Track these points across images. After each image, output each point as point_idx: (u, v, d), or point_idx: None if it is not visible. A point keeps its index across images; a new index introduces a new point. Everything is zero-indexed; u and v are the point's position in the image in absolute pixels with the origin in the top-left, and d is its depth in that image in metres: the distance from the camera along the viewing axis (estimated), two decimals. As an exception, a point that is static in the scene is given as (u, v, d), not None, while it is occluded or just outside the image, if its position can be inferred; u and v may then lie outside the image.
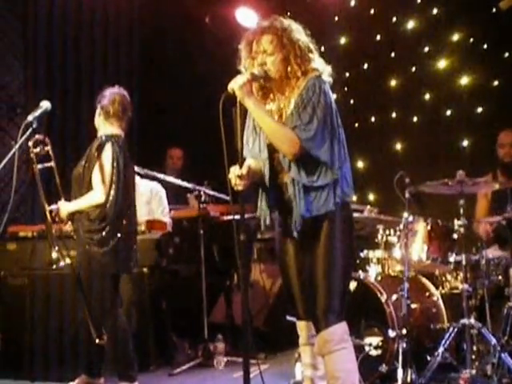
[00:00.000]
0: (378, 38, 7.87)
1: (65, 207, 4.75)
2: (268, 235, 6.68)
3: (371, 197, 7.55)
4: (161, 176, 6.35)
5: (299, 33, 3.47)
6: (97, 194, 4.67)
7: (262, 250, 6.81)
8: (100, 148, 4.72)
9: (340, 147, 3.43)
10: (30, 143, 4.57)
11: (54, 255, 4.53)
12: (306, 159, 3.33)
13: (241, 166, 3.28)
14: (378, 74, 7.75)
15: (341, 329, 3.40)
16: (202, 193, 6.26)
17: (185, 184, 6.38)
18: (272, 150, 3.49)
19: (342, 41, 8.10)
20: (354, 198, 4.54)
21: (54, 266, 4.52)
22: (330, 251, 3.36)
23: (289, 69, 3.41)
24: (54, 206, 4.75)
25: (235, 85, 3.25)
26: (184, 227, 6.39)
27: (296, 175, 3.37)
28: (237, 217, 3.29)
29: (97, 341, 4.63)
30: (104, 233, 4.65)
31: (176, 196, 7.10)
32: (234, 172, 3.28)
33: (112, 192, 4.68)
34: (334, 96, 3.51)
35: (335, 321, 3.38)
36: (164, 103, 7.91)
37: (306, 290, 3.47)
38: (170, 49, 7.90)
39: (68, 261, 4.54)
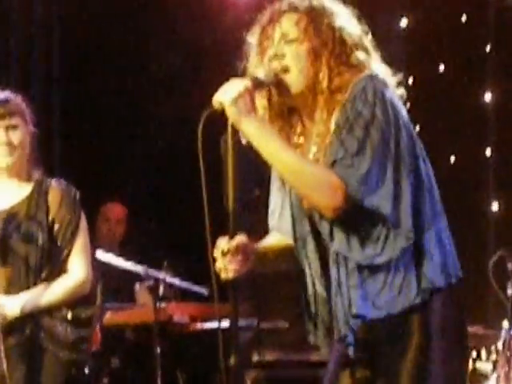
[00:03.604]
0: (464, 19, 6.17)
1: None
2: (271, 357, 5.58)
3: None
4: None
5: (347, 20, 2.76)
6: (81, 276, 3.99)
7: (260, 381, 5.66)
8: (75, 202, 4.04)
9: (422, 194, 2.69)
10: None
11: None
12: (357, 216, 2.63)
13: (232, 236, 2.64)
14: (464, 81, 6.21)
15: None
16: (159, 282, 5.13)
17: (130, 266, 5.22)
18: (309, 217, 2.76)
19: (403, 23, 6.23)
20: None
21: None
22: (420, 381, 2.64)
23: (318, 73, 2.70)
24: None
25: (225, 96, 2.62)
26: (128, 341, 5.46)
27: (343, 247, 2.66)
28: (223, 325, 2.68)
29: None
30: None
31: (115, 286, 5.89)
32: (221, 247, 2.66)
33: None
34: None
35: None
36: (96, 128, 6.51)
37: None
38: (113, 42, 6.51)
39: None
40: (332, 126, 2.69)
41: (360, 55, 2.70)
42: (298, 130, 2.83)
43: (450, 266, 2.71)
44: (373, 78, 2.67)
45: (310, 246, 2.79)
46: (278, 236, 2.96)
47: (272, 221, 2.95)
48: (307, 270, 2.84)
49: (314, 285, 2.84)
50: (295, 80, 2.68)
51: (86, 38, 6.33)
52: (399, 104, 2.69)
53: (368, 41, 2.79)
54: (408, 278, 2.66)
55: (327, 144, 2.70)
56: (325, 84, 2.67)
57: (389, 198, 2.63)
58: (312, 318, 2.87)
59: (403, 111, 2.69)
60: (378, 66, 2.76)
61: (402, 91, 2.73)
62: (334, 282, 2.73)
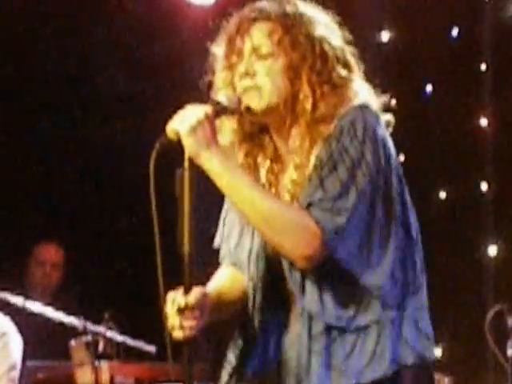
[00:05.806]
0: (455, 32, 5.54)
1: None
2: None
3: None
4: (16, 300, 4.62)
5: (327, 28, 2.51)
6: None
7: None
8: None
9: (412, 253, 2.48)
10: None
11: None
12: (332, 270, 2.41)
13: (188, 289, 2.39)
14: (455, 103, 5.57)
15: None
16: (99, 337, 4.85)
17: (65, 318, 4.94)
18: (273, 258, 2.50)
19: (384, 37, 5.72)
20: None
21: None
22: None
23: (298, 93, 2.46)
24: None
25: (182, 125, 2.40)
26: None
27: (314, 304, 2.43)
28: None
29: None
30: None
31: (47, 342, 5.48)
32: (175, 302, 2.40)
33: None
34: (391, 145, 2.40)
35: None
36: (28, 156, 6.06)
37: None
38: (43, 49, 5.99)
39: None
40: (313, 159, 2.44)
41: (342, 71, 2.46)
42: (269, 153, 2.58)
43: (424, 348, 2.47)
44: (363, 109, 2.42)
45: (262, 294, 2.51)
46: (229, 270, 2.64)
47: (225, 249, 2.62)
48: (254, 320, 2.54)
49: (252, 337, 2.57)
50: (267, 94, 2.43)
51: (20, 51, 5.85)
52: (390, 142, 2.44)
53: (349, 53, 2.54)
54: (383, 344, 2.42)
55: (306, 178, 2.44)
56: (308, 106, 2.42)
57: (367, 257, 2.40)
58: (234, 367, 2.59)
59: (393, 150, 2.44)
60: (360, 85, 2.51)
61: (388, 117, 2.49)
62: (298, 345, 2.46)
